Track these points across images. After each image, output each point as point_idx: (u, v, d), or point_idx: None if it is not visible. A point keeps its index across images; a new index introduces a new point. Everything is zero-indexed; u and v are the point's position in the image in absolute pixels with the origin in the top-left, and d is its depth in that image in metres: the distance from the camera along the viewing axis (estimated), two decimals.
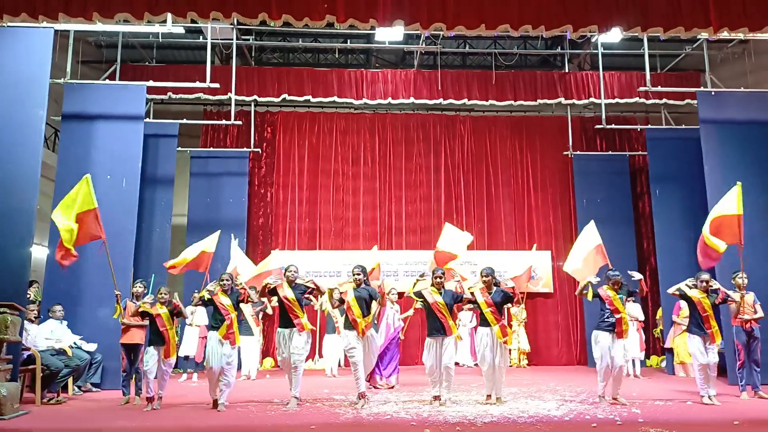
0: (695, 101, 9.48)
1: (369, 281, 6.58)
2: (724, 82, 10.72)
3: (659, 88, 10.34)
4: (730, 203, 6.85)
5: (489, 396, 6.33)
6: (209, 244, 8.13)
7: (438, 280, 6.35)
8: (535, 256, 11.62)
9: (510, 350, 10.85)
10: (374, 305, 6.46)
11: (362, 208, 12.02)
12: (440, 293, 6.27)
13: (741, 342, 6.82)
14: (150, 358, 6.10)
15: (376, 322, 7.15)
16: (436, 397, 6.19)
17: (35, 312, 7.53)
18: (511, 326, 11.08)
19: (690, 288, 6.55)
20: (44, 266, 8.41)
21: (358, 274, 6.35)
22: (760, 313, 6.91)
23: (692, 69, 12.08)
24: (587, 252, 7.23)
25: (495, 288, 6.37)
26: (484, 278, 6.37)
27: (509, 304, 6.33)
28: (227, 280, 6.34)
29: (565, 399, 6.64)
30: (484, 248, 11.78)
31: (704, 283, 6.49)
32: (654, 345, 11.22)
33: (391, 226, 11.97)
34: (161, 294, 6.30)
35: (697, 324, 6.43)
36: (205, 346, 6.33)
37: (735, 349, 6.93)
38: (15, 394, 5.84)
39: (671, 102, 11.17)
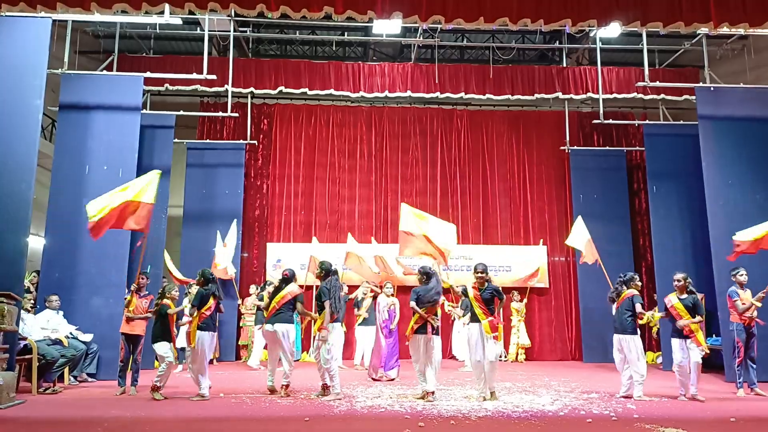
0: (693, 97, 9.47)
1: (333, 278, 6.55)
2: (723, 78, 10.69)
3: (657, 84, 10.32)
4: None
5: (485, 397, 6.20)
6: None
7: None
8: (531, 251, 11.66)
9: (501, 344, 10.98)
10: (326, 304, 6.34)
11: (358, 201, 12.00)
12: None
13: (741, 339, 6.82)
14: (169, 351, 6.43)
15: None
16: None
17: (32, 302, 7.54)
18: (508, 321, 11.15)
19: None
20: (40, 256, 8.40)
21: (316, 270, 6.57)
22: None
23: (691, 65, 12.08)
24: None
25: (486, 284, 6.35)
26: (477, 274, 6.37)
27: (500, 301, 6.35)
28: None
29: (560, 394, 6.66)
30: (480, 243, 11.80)
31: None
32: (650, 342, 11.25)
33: (387, 220, 11.96)
34: (172, 294, 6.63)
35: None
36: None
37: (735, 346, 6.90)
38: (11, 383, 5.88)
39: (669, 98, 11.16)
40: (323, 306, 6.29)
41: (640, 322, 6.60)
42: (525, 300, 11.03)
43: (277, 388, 6.48)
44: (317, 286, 6.69)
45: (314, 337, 6.49)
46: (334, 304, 6.30)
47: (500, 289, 6.38)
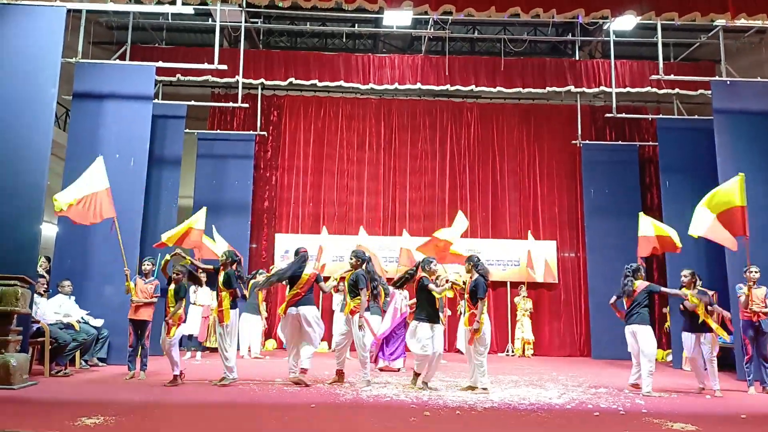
0: (709, 91, 9.33)
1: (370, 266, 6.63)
2: (739, 72, 10.44)
3: (672, 77, 10.16)
4: (732, 194, 6.51)
5: (470, 387, 6.24)
6: (195, 219, 7.92)
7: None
8: (539, 246, 11.60)
9: (492, 338, 10.89)
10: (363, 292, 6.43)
11: (366, 193, 12.02)
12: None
13: (748, 336, 6.75)
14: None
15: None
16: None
17: (45, 286, 7.65)
18: (515, 316, 11.12)
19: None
20: (53, 243, 8.50)
21: (351, 259, 6.57)
22: None
23: (707, 59, 11.87)
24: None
25: (476, 277, 6.25)
26: (466, 265, 6.40)
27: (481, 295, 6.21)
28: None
29: (568, 388, 6.63)
30: (488, 237, 11.76)
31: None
32: (660, 339, 11.14)
33: (395, 212, 11.98)
34: (175, 272, 6.52)
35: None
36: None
37: (742, 343, 6.85)
38: (24, 365, 5.98)
39: (684, 92, 10.97)
40: (356, 293, 6.36)
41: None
42: (524, 294, 10.97)
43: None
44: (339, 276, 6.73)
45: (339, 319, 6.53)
46: (375, 292, 6.56)
47: (482, 286, 6.12)
